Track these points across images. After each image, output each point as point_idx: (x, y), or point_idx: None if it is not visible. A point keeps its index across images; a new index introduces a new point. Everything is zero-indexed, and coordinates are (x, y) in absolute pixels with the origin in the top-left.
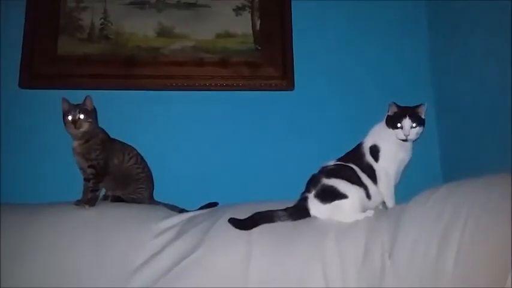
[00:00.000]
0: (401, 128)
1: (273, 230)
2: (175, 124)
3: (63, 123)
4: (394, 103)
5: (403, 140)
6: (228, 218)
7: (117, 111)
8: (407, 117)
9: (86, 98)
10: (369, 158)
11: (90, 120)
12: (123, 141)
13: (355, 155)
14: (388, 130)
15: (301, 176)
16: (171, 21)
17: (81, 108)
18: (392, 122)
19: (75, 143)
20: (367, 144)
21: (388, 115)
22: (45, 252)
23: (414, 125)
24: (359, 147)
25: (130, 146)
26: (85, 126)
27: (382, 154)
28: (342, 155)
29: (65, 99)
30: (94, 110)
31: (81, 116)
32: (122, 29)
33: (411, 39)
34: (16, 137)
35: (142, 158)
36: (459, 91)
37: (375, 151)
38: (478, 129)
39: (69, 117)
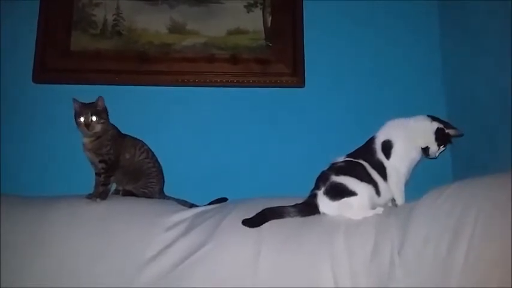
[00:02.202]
0: (439, 150)
1: (282, 226)
2: (185, 120)
3: (75, 123)
4: (457, 129)
5: (426, 154)
6: (238, 213)
7: (128, 107)
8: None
9: (98, 98)
10: (380, 155)
11: (102, 121)
12: (134, 136)
13: (366, 150)
14: (409, 130)
15: (310, 172)
16: (182, 18)
17: (93, 109)
18: (444, 141)
19: (86, 140)
20: (379, 139)
21: (443, 131)
22: (57, 244)
23: None
24: (371, 142)
25: (141, 140)
26: (98, 128)
27: (395, 151)
28: (353, 150)
29: (76, 100)
30: (105, 109)
31: (94, 118)
32: (134, 25)
33: (423, 38)
34: (28, 131)
35: (153, 152)
36: (470, 90)
37: (387, 147)
38: (489, 128)
39: (82, 119)
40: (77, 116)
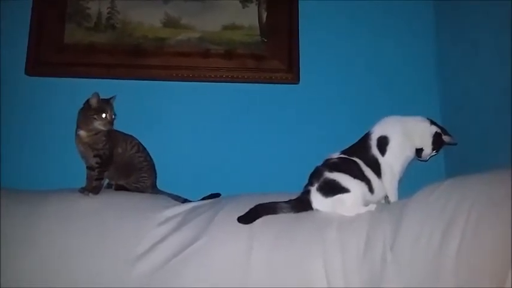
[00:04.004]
0: (431, 153)
1: (275, 221)
2: (179, 114)
3: (88, 116)
4: (452, 136)
5: (418, 156)
6: (231, 208)
7: (122, 101)
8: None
9: (113, 97)
10: (375, 151)
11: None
12: (127, 130)
13: (361, 146)
14: (407, 128)
15: (304, 168)
16: (177, 12)
17: (111, 106)
18: (439, 146)
19: (83, 133)
20: (375, 134)
21: (440, 136)
22: (49, 238)
23: None
24: (366, 138)
25: (131, 135)
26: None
27: (390, 148)
28: (347, 146)
29: (97, 94)
30: None
31: (113, 116)
32: (129, 19)
33: (418, 37)
34: (21, 124)
35: (143, 147)
36: (465, 89)
37: (383, 143)
38: (483, 127)
39: (105, 115)
40: (98, 111)
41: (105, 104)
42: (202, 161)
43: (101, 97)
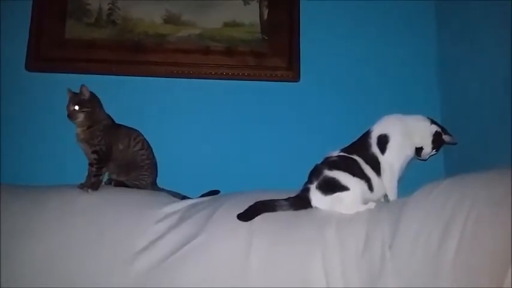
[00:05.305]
0: (431, 152)
1: (274, 219)
2: (179, 111)
3: None
4: (453, 136)
5: (418, 155)
6: (230, 205)
7: (122, 97)
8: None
9: (81, 87)
10: (375, 150)
11: (85, 109)
12: (130, 126)
13: (361, 144)
14: (407, 127)
15: (304, 166)
16: (178, 9)
17: (75, 99)
18: (438, 145)
19: (78, 130)
20: (375, 133)
21: (440, 136)
22: (48, 234)
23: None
24: (366, 136)
25: (136, 130)
26: (80, 117)
27: (390, 146)
28: (347, 144)
29: (69, 90)
30: (92, 98)
31: (76, 107)
32: (130, 15)
33: (419, 36)
34: (21, 119)
35: (148, 143)
36: (465, 88)
37: (383, 141)
38: (482, 126)
39: (67, 109)
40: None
41: (71, 96)
42: (202, 157)
43: (88, 94)
